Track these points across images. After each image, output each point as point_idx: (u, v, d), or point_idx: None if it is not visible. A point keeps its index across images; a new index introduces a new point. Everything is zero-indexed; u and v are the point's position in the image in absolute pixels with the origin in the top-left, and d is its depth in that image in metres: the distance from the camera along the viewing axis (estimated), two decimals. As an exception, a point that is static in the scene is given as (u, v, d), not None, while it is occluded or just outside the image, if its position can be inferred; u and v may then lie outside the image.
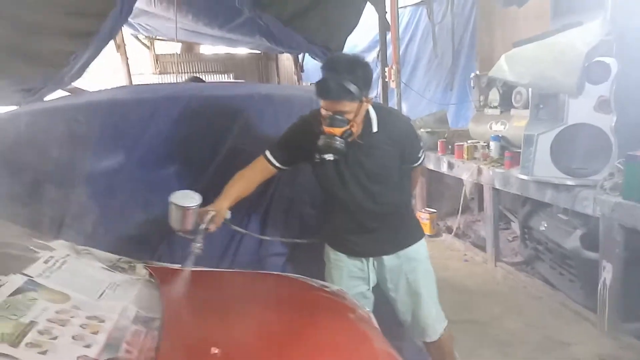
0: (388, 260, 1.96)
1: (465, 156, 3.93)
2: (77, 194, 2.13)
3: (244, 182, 1.94)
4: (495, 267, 3.80)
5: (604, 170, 2.87)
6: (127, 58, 6.17)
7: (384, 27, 4.37)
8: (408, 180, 2.03)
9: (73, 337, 1.15)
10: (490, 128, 3.91)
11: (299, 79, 6.94)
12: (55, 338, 1.12)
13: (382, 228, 1.93)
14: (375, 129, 1.82)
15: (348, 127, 1.70)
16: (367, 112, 1.79)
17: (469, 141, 4.03)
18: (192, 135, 2.37)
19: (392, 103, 4.38)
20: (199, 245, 1.71)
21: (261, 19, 3.85)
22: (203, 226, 1.73)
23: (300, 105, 2.50)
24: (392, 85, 4.33)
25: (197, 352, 1.26)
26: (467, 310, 3.22)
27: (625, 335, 2.81)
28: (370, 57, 5.84)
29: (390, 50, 4.52)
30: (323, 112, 1.72)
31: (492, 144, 3.78)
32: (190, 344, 1.30)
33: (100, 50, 2.99)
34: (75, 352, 1.10)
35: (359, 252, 1.97)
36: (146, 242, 2.28)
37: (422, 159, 2.00)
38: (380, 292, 2.08)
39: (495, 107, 3.96)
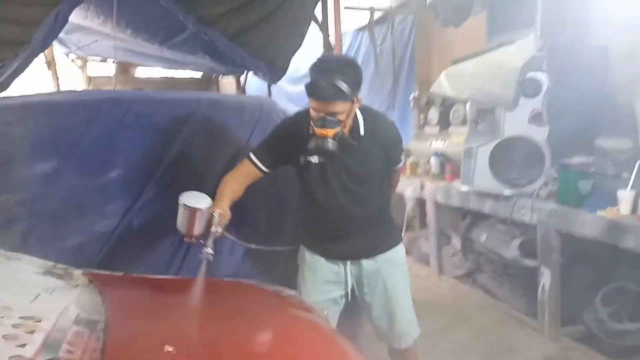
0: (367, 264, 1.91)
1: (408, 172, 4.03)
2: (6, 200, 1.95)
3: (235, 185, 1.87)
4: (440, 280, 3.87)
5: (539, 179, 3.04)
6: (58, 78, 5.85)
7: (328, 48, 4.46)
8: (389, 183, 2.03)
9: (3, 337, 1.01)
10: (430, 145, 4.06)
11: (239, 101, 6.88)
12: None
13: (362, 231, 1.89)
14: (362, 132, 1.79)
15: (340, 128, 1.67)
16: (355, 114, 1.77)
17: (411, 158, 4.14)
18: (135, 140, 2.26)
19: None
20: (210, 250, 1.63)
21: (206, 34, 3.80)
22: (214, 229, 1.65)
23: (251, 111, 2.47)
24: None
25: (147, 351, 1.15)
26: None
27: (565, 337, 2.93)
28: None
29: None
30: (313, 113, 1.68)
31: (433, 160, 3.91)
32: (139, 345, 1.19)
33: (30, 61, 2.78)
34: (7, 352, 0.97)
35: (338, 256, 1.93)
36: (82, 251, 2.12)
37: (403, 161, 2.00)
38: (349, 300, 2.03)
39: (435, 125, 4.12)
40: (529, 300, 3.18)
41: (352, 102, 1.69)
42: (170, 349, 1.12)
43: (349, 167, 1.80)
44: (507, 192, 3.12)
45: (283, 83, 5.13)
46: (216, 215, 1.70)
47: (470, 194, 3.33)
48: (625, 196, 2.49)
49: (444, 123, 4.00)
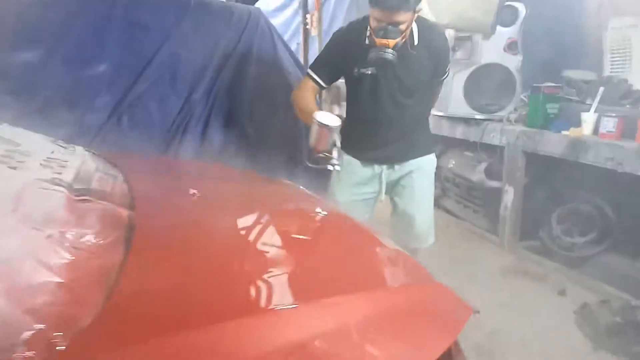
0: (399, 167, 1.96)
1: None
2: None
3: (311, 101, 1.86)
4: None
5: (510, 105, 3.22)
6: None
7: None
8: (432, 93, 2.06)
9: (40, 164, 1.06)
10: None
11: None
12: (22, 162, 1.02)
13: (402, 139, 1.93)
14: (416, 41, 1.77)
15: (400, 38, 1.65)
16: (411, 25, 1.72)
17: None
18: (122, 36, 2.24)
19: (314, 50, 4.42)
20: (335, 162, 1.66)
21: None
22: (338, 143, 1.66)
23: (239, 15, 2.47)
24: (314, 32, 4.36)
25: (175, 195, 1.22)
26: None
27: (522, 250, 3.21)
28: (291, 9, 5.83)
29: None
30: (374, 23, 1.66)
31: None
32: (166, 190, 1.25)
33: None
34: (46, 175, 1.01)
35: (376, 160, 1.96)
36: (71, 142, 2.12)
37: (448, 73, 2.00)
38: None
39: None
40: (490, 219, 3.43)
41: (414, 11, 1.65)
42: (194, 191, 1.19)
43: (400, 78, 1.80)
44: (478, 116, 3.29)
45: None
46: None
47: (443, 119, 3.48)
48: (588, 117, 2.70)
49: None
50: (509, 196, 3.15)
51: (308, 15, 4.40)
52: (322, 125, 1.61)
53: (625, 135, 2.54)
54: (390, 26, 1.62)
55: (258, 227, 1.18)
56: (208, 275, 0.85)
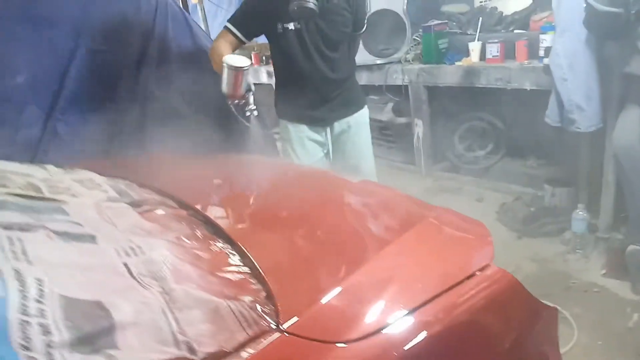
0: (338, 125, 2.05)
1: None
2: None
3: (230, 51, 1.84)
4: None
5: (404, 46, 3.53)
6: None
7: None
8: (354, 47, 2.12)
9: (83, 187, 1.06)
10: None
11: None
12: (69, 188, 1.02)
13: (337, 95, 1.99)
14: None
15: None
16: None
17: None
18: (31, 38, 2.07)
19: (197, 20, 4.33)
20: (253, 107, 1.68)
21: None
22: (252, 86, 1.67)
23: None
24: (194, 0, 4.25)
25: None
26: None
27: (437, 172, 3.66)
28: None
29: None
30: None
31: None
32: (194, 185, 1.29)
33: None
34: (100, 196, 1.02)
35: (319, 120, 2.02)
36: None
37: (365, 26, 2.07)
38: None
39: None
40: (405, 151, 3.82)
41: None
42: (218, 181, 1.27)
43: (324, 31, 1.85)
44: (379, 61, 3.57)
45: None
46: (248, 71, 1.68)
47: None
48: (474, 46, 3.10)
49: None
50: (419, 128, 3.54)
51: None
52: (232, 68, 1.61)
53: (508, 57, 2.98)
54: None
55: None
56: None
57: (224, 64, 1.61)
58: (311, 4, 1.69)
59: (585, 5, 1.91)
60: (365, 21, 2.07)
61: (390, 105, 3.77)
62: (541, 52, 2.70)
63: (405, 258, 0.91)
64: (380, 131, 3.97)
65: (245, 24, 1.89)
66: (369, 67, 3.63)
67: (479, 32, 3.11)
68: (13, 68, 2.01)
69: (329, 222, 1.08)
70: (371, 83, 3.72)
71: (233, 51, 1.88)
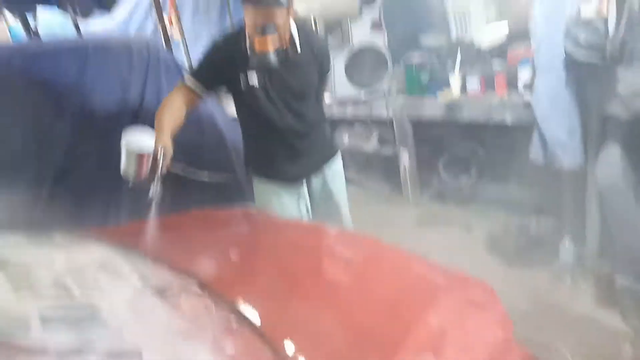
0: (316, 180, 2.03)
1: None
2: None
3: (175, 113, 1.71)
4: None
5: (386, 79, 3.62)
6: None
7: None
8: (322, 91, 2.08)
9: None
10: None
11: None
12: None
13: (310, 148, 1.95)
14: (298, 46, 1.79)
15: (278, 37, 1.65)
16: (289, 26, 1.73)
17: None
18: (24, 102, 2.07)
19: (181, 55, 4.33)
20: (158, 191, 1.53)
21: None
22: (161, 168, 1.51)
23: (139, 51, 2.40)
24: (176, 37, 4.25)
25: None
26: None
27: (424, 201, 3.73)
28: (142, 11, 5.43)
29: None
30: (250, 26, 1.64)
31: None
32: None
33: None
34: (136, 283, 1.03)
35: (293, 177, 1.98)
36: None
37: (331, 66, 2.05)
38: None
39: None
40: (391, 181, 3.89)
41: (288, 9, 1.65)
42: (234, 255, 1.29)
43: (289, 83, 1.81)
44: (363, 95, 3.65)
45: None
46: (160, 152, 1.53)
47: (333, 104, 3.77)
48: (454, 79, 3.20)
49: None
50: (405, 158, 3.62)
51: (165, 17, 4.25)
52: (132, 152, 1.46)
53: (488, 87, 3.08)
54: (266, 24, 1.60)
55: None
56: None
57: (123, 145, 1.49)
58: (272, 58, 1.64)
59: (564, 51, 2.02)
60: (330, 67, 2.03)
61: (375, 135, 3.84)
62: (520, 86, 2.82)
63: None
64: (366, 161, 4.04)
65: (207, 76, 1.80)
66: (354, 101, 3.70)
67: (458, 64, 3.22)
68: (7, 127, 2.00)
69: (364, 304, 1.07)
70: (355, 115, 3.79)
71: (188, 109, 1.79)
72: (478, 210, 3.47)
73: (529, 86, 2.64)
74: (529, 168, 3.06)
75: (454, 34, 3.66)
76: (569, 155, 2.21)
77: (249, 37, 1.68)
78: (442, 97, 3.22)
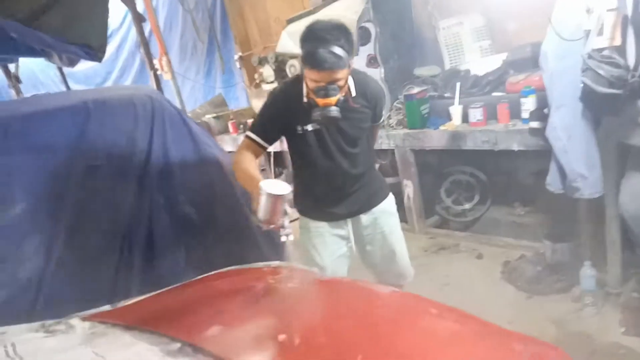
0: (365, 217, 2.02)
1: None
2: None
3: (254, 164, 1.82)
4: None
5: (384, 113, 3.61)
6: None
7: (137, 19, 4.16)
8: (372, 137, 2.10)
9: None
10: (274, 100, 4.28)
11: (17, 91, 5.87)
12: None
13: (359, 189, 1.97)
14: (354, 93, 1.81)
15: (341, 94, 1.68)
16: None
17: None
18: (27, 166, 1.97)
19: (171, 95, 4.27)
20: (289, 231, 1.59)
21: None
22: (288, 211, 1.60)
23: (143, 105, 2.32)
24: (167, 77, 4.20)
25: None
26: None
27: (430, 229, 3.71)
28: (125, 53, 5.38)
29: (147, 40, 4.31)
30: (312, 83, 1.66)
31: (282, 114, 4.15)
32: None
33: None
34: None
35: (340, 216, 1.99)
36: (13, 304, 1.83)
37: (383, 115, 2.07)
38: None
39: (272, 82, 4.33)
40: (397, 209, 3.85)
41: (349, 67, 1.68)
42: (283, 336, 1.20)
43: (343, 129, 1.84)
44: (362, 128, 3.62)
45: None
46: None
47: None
48: (455, 111, 3.22)
49: (281, 78, 4.25)
50: (409, 188, 3.60)
51: (155, 61, 4.20)
52: (272, 196, 1.53)
53: (490, 118, 3.10)
54: (329, 85, 1.64)
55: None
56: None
57: (262, 191, 1.53)
58: (334, 112, 1.68)
59: (582, 85, 2.03)
60: (384, 112, 2.06)
61: (377, 166, 3.81)
62: (524, 115, 2.84)
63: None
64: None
65: (265, 130, 1.87)
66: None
67: (458, 95, 3.24)
68: (11, 198, 1.89)
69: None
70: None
71: (255, 159, 1.87)
72: (486, 235, 3.46)
73: (535, 114, 2.66)
74: (537, 193, 3.09)
75: (447, 66, 3.72)
76: (589, 185, 2.22)
77: (309, 91, 1.72)
78: (445, 128, 3.23)
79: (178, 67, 5.17)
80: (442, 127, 3.26)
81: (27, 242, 1.90)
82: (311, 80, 1.66)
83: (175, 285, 1.68)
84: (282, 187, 1.56)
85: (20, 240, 1.88)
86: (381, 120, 2.08)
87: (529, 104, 2.80)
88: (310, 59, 1.61)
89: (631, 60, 1.91)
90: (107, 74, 6.50)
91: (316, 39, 1.60)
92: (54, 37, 3.56)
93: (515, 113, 2.96)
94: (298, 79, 1.81)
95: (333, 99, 1.66)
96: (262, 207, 1.56)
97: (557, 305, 2.62)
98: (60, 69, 5.54)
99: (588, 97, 2.04)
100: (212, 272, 1.72)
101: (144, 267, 2.13)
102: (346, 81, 1.70)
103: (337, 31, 1.61)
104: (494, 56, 3.46)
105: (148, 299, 1.61)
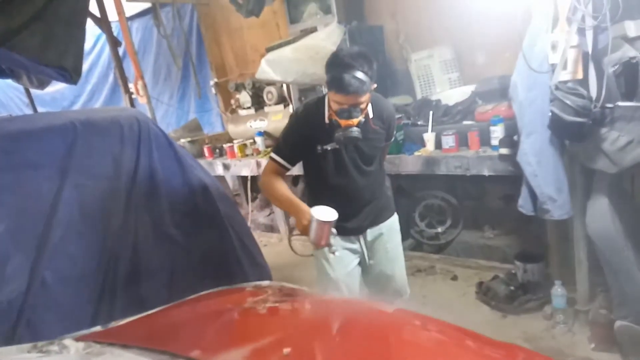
0: (371, 232, 2.09)
1: (238, 155, 4.24)
2: None
3: (286, 188, 1.95)
4: (292, 241, 4.31)
5: (361, 138, 3.72)
6: None
7: (113, 43, 4.17)
8: (383, 155, 2.19)
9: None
10: (250, 126, 4.34)
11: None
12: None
13: (371, 204, 2.06)
14: (371, 115, 1.91)
15: (362, 115, 1.80)
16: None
17: (235, 141, 4.34)
18: (12, 185, 1.93)
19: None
20: (335, 249, 1.82)
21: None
22: (334, 232, 1.80)
23: (129, 126, 2.34)
24: (142, 100, 4.19)
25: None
26: (290, 279, 3.60)
27: (405, 251, 3.72)
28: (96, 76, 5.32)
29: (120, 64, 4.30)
30: (336, 106, 1.77)
31: (258, 139, 4.21)
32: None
33: None
34: None
35: (351, 231, 2.04)
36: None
37: (395, 134, 2.18)
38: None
39: (249, 108, 4.40)
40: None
41: (370, 91, 1.80)
42: (287, 350, 1.22)
43: (361, 148, 1.93)
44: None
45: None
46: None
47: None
48: (429, 137, 3.36)
49: (258, 104, 4.32)
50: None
51: (131, 85, 4.19)
52: (324, 223, 1.74)
53: (461, 145, 3.26)
54: (352, 107, 1.77)
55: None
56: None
57: (312, 218, 1.73)
58: (356, 132, 1.79)
59: (550, 114, 2.19)
60: (395, 131, 2.19)
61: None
62: (494, 142, 3.00)
63: None
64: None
65: (290, 152, 1.97)
66: (329, 159, 3.76)
67: (431, 123, 3.39)
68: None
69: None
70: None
71: (282, 177, 2.00)
72: (460, 258, 3.58)
73: (504, 141, 2.83)
74: (506, 216, 3.24)
75: (419, 95, 3.89)
76: (558, 207, 2.36)
77: (332, 112, 1.82)
78: (419, 154, 3.36)
79: (151, 91, 5.16)
80: (416, 153, 3.38)
81: (10, 261, 1.85)
82: (335, 102, 1.78)
83: (168, 305, 1.68)
84: (330, 213, 1.76)
85: (3, 261, 1.84)
86: (392, 140, 2.18)
87: (498, 132, 2.97)
88: (336, 83, 1.72)
89: (593, 92, 2.09)
90: (75, 97, 6.39)
91: (342, 65, 1.72)
92: (29, 58, 3.52)
93: (485, 140, 3.12)
94: (319, 101, 1.92)
95: (355, 120, 1.77)
96: (313, 231, 1.77)
97: (530, 323, 2.73)
98: (27, 91, 5.43)
99: (556, 125, 2.20)
100: (205, 292, 1.74)
101: (128, 287, 2.10)
102: (367, 104, 1.83)
103: (361, 58, 1.72)
104: (463, 87, 3.65)
105: (142, 319, 1.60)
